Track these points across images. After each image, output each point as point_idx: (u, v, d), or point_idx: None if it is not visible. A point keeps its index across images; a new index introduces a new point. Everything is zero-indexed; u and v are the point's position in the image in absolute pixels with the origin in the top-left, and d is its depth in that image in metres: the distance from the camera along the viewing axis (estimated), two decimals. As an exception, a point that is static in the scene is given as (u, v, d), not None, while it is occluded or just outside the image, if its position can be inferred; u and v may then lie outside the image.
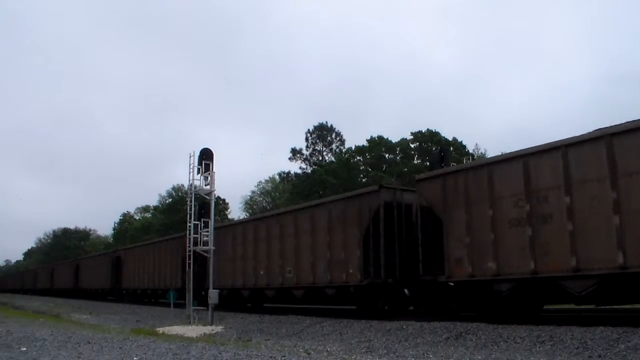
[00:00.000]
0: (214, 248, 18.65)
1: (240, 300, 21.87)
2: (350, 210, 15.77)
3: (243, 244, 21.03)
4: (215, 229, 20.61)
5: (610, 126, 10.40)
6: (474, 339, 10.43)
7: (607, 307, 11.84)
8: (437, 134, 54.26)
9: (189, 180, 18.90)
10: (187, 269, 18.53)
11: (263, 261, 19.47)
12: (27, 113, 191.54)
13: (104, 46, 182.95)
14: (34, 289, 63.57)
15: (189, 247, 18.52)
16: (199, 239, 18.52)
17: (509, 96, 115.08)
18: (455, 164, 18.63)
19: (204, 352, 8.24)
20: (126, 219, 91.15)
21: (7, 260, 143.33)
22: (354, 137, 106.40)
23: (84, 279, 44.77)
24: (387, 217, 14.77)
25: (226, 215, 64.56)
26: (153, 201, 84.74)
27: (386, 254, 14.57)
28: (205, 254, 18.67)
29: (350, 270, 15.37)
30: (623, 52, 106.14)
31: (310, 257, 17.09)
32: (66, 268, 51.45)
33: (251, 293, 20.76)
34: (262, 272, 19.47)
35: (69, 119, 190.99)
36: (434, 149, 48.67)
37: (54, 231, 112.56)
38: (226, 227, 23.42)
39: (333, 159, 61.39)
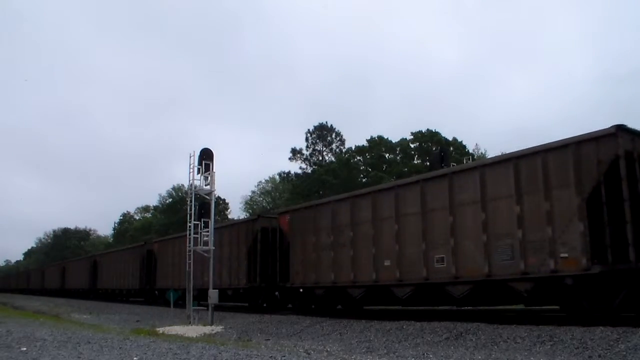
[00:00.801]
0: (214, 248, 18.64)
1: (338, 302, 17.55)
2: (558, 165, 10.99)
3: (353, 225, 15.77)
4: (305, 208, 18.17)
5: None
6: (474, 339, 10.43)
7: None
8: (437, 134, 54.24)
9: (189, 180, 18.92)
10: (187, 268, 18.53)
11: (389, 247, 14.35)
12: (27, 113, 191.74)
13: (104, 46, 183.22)
14: (41, 289, 58.89)
15: (189, 246, 18.53)
16: (199, 239, 18.52)
17: (509, 96, 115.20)
18: (455, 164, 18.41)
19: (204, 352, 8.24)
20: (126, 219, 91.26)
21: (7, 260, 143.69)
22: (354, 137, 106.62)
23: (103, 278, 39.12)
24: (629, 172, 10.27)
25: (226, 215, 64.61)
26: (153, 201, 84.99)
27: (634, 225, 10.05)
28: (206, 254, 18.66)
29: (564, 254, 10.67)
30: (625, 51, 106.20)
31: (480, 236, 12.05)
32: (81, 266, 45.56)
33: (367, 292, 15.52)
34: (387, 263, 14.42)
35: (68, 119, 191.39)
36: (434, 149, 48.67)
37: (54, 231, 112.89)
38: (323, 204, 17.71)
39: (333, 159, 61.38)
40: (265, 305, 20.69)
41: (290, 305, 19.64)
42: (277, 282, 18.92)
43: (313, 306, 18.00)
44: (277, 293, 20.33)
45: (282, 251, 18.87)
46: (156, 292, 30.06)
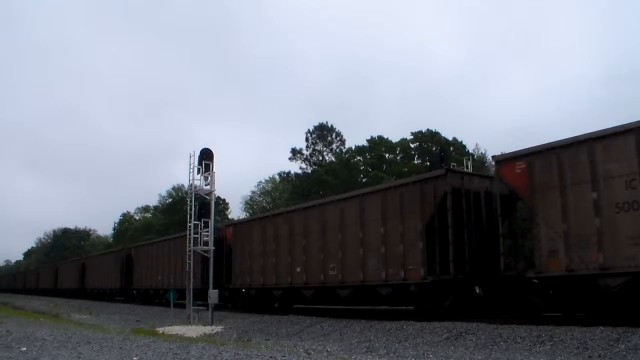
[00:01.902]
0: (214, 248, 18.64)
1: None
2: None
3: None
4: (572, 145, 10.95)
5: None
6: (474, 339, 10.43)
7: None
8: (437, 134, 54.31)
9: (189, 180, 18.96)
10: (187, 269, 18.53)
11: None
12: (27, 112, 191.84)
13: (103, 44, 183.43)
14: (54, 289, 52.17)
15: (189, 247, 18.53)
16: (198, 238, 18.53)
17: (510, 95, 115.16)
18: (455, 164, 18.36)
19: (204, 352, 8.24)
20: (126, 219, 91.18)
21: (7, 260, 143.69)
22: (354, 137, 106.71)
23: (140, 276, 31.43)
24: None
25: (226, 215, 64.57)
26: (153, 201, 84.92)
27: None
28: (206, 254, 18.67)
29: None
30: (627, 50, 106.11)
31: None
32: (107, 262, 37.86)
33: None
34: None
35: (68, 118, 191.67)
36: (434, 149, 48.70)
37: (54, 231, 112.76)
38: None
39: (333, 159, 61.40)
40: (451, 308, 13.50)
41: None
42: (500, 271, 12.21)
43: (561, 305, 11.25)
44: (478, 289, 13.39)
45: (513, 221, 12.77)
46: (226, 293, 22.17)
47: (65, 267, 52.00)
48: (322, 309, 18.06)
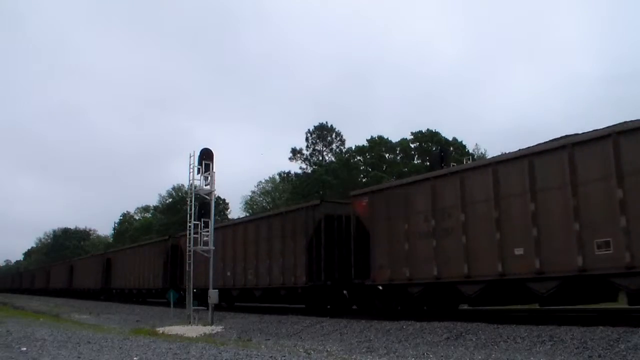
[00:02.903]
0: (213, 248, 18.64)
1: None
2: None
3: None
4: None
5: None
6: (474, 339, 10.43)
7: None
8: (437, 134, 54.33)
9: (189, 180, 18.96)
10: (187, 268, 18.53)
11: None
12: (26, 112, 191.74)
13: (103, 44, 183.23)
14: (68, 289, 46.65)
15: (189, 246, 18.54)
16: (199, 239, 18.51)
17: (510, 95, 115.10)
18: (455, 164, 18.37)
19: (204, 352, 8.24)
20: (126, 219, 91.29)
21: (7, 260, 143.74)
22: (354, 137, 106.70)
23: (195, 273, 20.48)
24: None
25: (226, 215, 64.62)
26: (153, 201, 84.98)
27: None
28: (206, 254, 18.66)
29: None
30: (628, 50, 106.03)
31: None
32: (145, 256, 30.94)
33: None
34: None
35: (68, 118, 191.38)
36: (434, 149, 48.70)
37: (54, 231, 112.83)
38: None
39: (333, 159, 61.41)
40: None
41: None
42: None
43: None
44: None
45: None
46: (345, 292, 17.24)
47: (82, 264, 45.39)
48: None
